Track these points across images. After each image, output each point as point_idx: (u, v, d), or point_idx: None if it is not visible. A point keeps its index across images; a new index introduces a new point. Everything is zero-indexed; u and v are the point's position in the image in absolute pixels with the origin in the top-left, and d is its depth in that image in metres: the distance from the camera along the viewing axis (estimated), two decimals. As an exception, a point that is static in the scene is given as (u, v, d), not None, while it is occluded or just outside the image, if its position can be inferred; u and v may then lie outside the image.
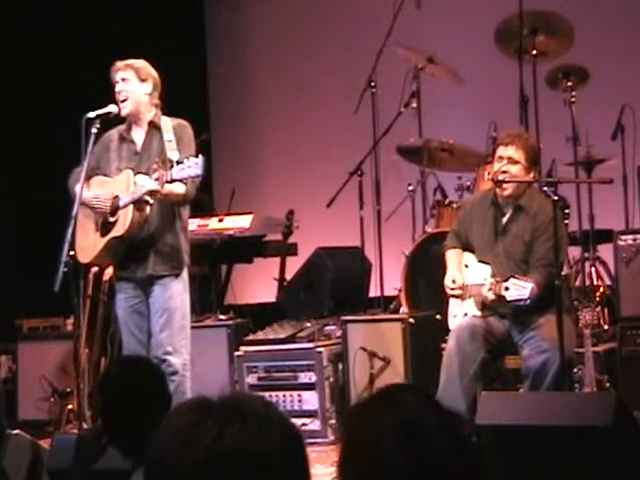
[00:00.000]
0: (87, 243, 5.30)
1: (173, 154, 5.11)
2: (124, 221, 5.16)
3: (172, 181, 4.99)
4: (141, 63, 5.35)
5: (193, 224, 6.88)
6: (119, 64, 5.33)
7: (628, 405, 4.08)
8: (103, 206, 5.25)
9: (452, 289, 5.47)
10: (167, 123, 5.31)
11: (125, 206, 5.15)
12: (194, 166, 4.88)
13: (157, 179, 5.00)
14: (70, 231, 5.02)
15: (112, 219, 5.22)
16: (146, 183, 5.06)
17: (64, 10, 8.61)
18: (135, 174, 5.18)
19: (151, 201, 5.12)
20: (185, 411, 1.56)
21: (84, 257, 5.35)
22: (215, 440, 1.49)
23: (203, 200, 7.43)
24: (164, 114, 5.38)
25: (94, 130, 5.18)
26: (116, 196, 5.21)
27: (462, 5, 8.70)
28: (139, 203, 5.12)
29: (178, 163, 4.96)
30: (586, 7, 8.00)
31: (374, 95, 6.82)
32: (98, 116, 5.21)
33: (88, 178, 5.26)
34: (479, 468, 1.62)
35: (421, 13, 7.33)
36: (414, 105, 7.02)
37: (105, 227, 5.26)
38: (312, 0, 9.67)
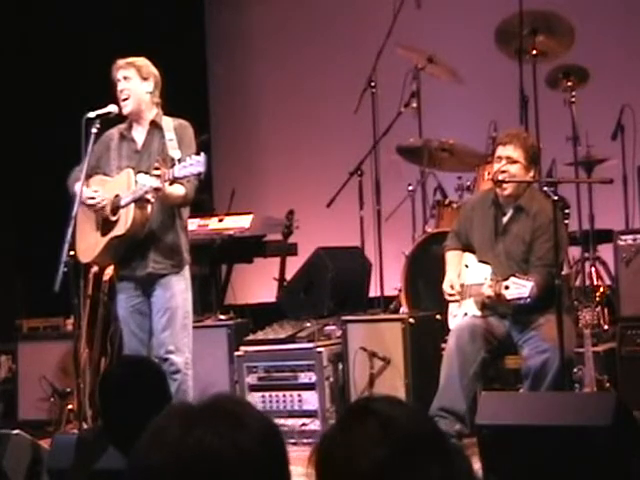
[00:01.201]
0: (88, 243, 5.29)
1: (175, 152, 5.09)
2: (125, 220, 5.14)
3: (174, 179, 4.97)
4: (142, 61, 5.34)
5: (193, 224, 6.88)
6: (120, 62, 5.31)
7: (628, 405, 4.08)
8: (100, 202, 5.23)
9: (450, 295, 5.48)
10: (168, 123, 5.30)
11: (126, 205, 5.13)
12: (196, 164, 4.87)
13: (159, 177, 4.98)
14: (70, 231, 5.01)
15: (113, 218, 5.20)
16: (147, 181, 5.04)
17: (64, 10, 8.61)
18: (135, 173, 5.17)
19: (152, 200, 5.11)
20: (164, 412, 1.57)
21: (85, 257, 5.34)
22: (177, 439, 1.50)
23: (203, 200, 7.43)
24: (164, 114, 5.38)
25: (94, 130, 5.17)
26: (117, 195, 5.20)
27: (462, 5, 8.69)
28: (140, 202, 5.11)
29: (180, 161, 4.95)
30: (586, 7, 7.99)
31: (374, 95, 6.82)
32: (98, 116, 5.20)
33: (88, 177, 5.25)
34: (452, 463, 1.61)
35: (421, 13, 7.32)
36: (414, 105, 7.01)
37: (106, 226, 5.25)
38: (312, 0, 9.67)
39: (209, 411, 1.54)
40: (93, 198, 5.22)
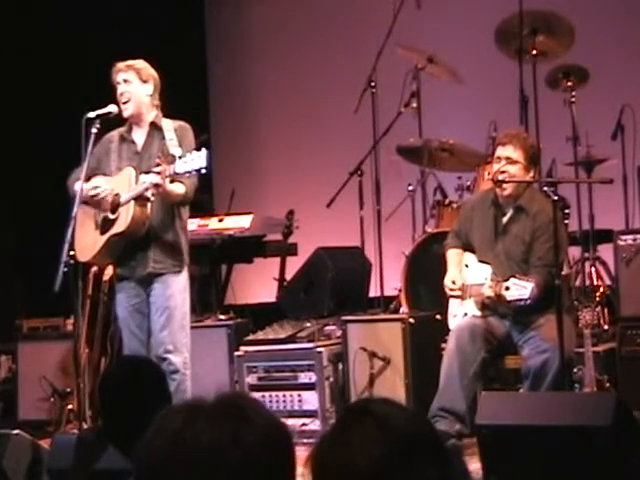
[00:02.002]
0: (87, 241, 5.28)
1: (175, 150, 5.09)
2: (125, 217, 5.14)
3: (175, 175, 4.96)
4: (142, 64, 5.34)
5: (193, 224, 6.88)
6: (120, 65, 5.31)
7: (628, 405, 4.08)
8: (102, 195, 5.21)
9: (452, 290, 5.48)
10: (168, 124, 5.30)
11: (126, 202, 5.13)
12: (197, 159, 4.86)
13: (159, 173, 4.98)
14: (70, 231, 5.01)
15: (112, 216, 5.20)
16: (148, 178, 5.04)
17: (64, 10, 8.61)
18: (137, 174, 5.17)
19: (152, 198, 5.10)
20: (175, 405, 1.58)
21: (84, 256, 5.33)
22: (177, 430, 1.50)
23: (203, 200, 7.43)
24: (165, 115, 5.37)
25: (94, 130, 5.16)
26: (117, 193, 5.19)
27: (462, 5, 8.69)
28: (140, 200, 5.11)
29: (181, 158, 4.94)
30: (586, 7, 7.99)
31: (374, 95, 6.82)
32: (98, 116, 5.19)
33: (88, 178, 5.25)
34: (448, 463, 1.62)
35: (421, 13, 7.32)
36: (414, 105, 7.01)
37: (105, 225, 5.24)
38: (312, 0, 9.67)
39: (215, 406, 1.55)
40: (95, 189, 5.21)
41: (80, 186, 5.12)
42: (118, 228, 5.18)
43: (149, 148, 5.30)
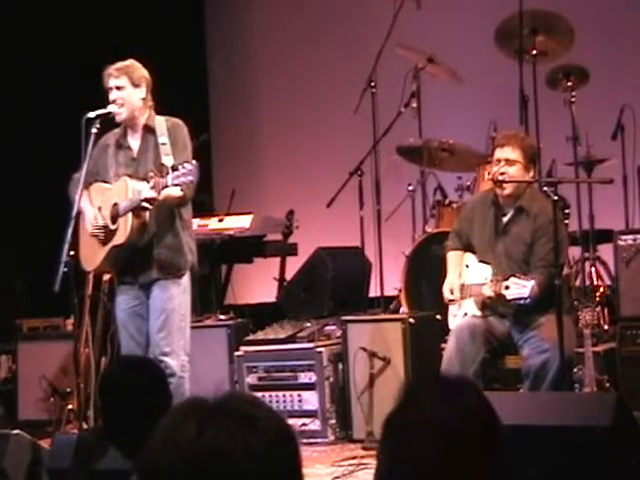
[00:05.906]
0: (89, 252, 5.30)
1: (167, 159, 5.09)
2: (124, 229, 5.15)
3: (168, 187, 4.99)
4: (133, 66, 5.27)
5: (193, 224, 6.87)
6: (111, 70, 5.25)
7: (628, 405, 4.08)
8: (100, 230, 5.25)
9: (450, 301, 5.49)
10: (161, 124, 5.26)
11: (124, 213, 5.14)
12: (188, 173, 4.89)
13: (153, 187, 5.00)
14: (70, 231, 5.01)
15: (113, 227, 5.21)
16: (143, 190, 5.05)
17: (64, 9, 8.61)
18: (134, 178, 5.18)
19: (149, 207, 5.11)
20: (174, 411, 1.57)
21: (88, 265, 5.39)
22: (192, 440, 1.50)
23: (203, 200, 7.43)
24: (160, 113, 5.34)
25: (94, 130, 5.16)
26: (115, 203, 5.20)
27: (462, 5, 8.70)
28: (137, 210, 5.12)
29: (173, 169, 4.95)
30: (586, 7, 8.00)
31: (374, 95, 6.82)
32: (98, 116, 5.19)
33: (87, 184, 5.25)
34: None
35: (421, 13, 7.32)
36: (414, 105, 7.01)
37: (106, 235, 5.26)
38: (312, 0, 9.67)
39: (223, 410, 1.54)
40: (96, 224, 5.24)
41: (80, 191, 5.13)
42: (118, 240, 5.19)
43: (145, 153, 5.28)
